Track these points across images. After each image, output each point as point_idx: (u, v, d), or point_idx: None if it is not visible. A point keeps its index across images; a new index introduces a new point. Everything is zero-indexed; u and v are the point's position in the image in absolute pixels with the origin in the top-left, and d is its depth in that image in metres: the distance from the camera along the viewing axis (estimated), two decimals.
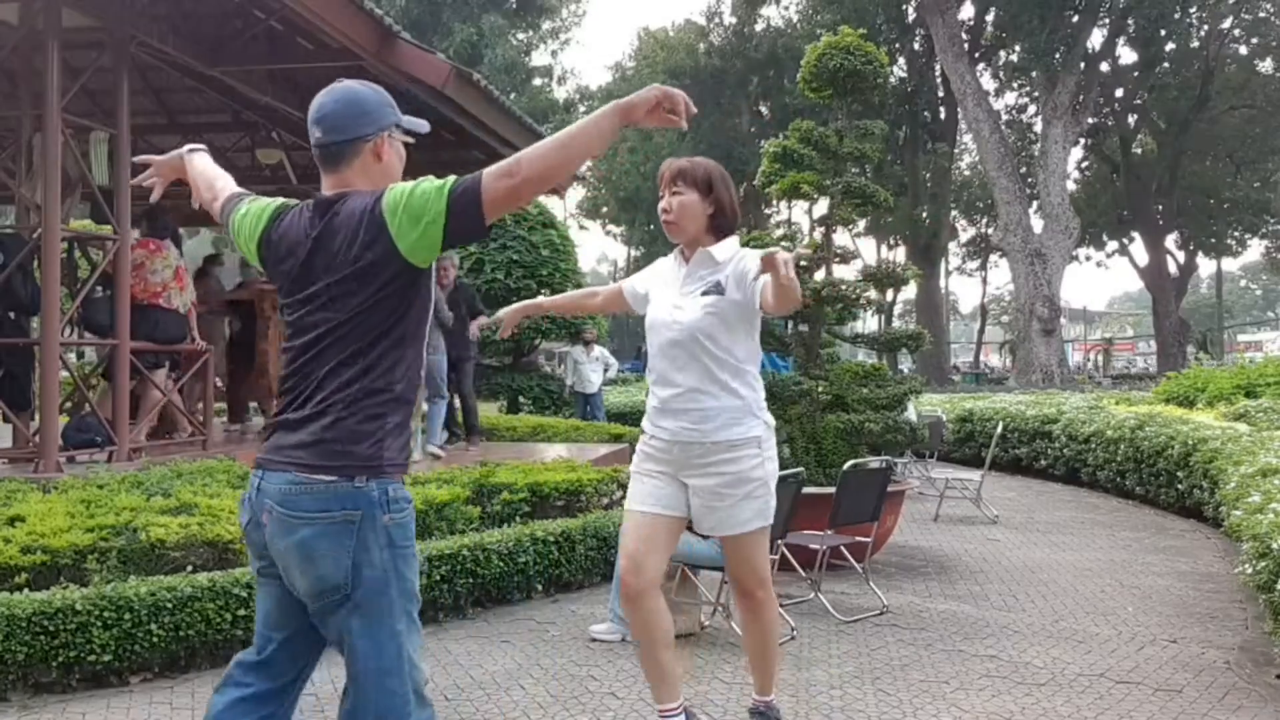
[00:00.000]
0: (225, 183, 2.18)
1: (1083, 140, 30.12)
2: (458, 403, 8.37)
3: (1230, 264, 51.09)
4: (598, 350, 12.69)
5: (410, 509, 1.91)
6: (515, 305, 3.15)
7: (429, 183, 1.80)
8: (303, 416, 1.86)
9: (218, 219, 2.14)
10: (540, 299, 3.22)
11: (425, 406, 7.46)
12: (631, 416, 12.18)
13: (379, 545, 1.82)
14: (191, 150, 2.33)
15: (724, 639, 4.19)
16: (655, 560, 2.78)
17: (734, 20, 33.63)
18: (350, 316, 1.84)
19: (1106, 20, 26.94)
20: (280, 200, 2.04)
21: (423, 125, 2.01)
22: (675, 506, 2.80)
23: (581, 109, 34.51)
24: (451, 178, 1.80)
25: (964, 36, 26.33)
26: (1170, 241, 33.00)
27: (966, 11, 28.01)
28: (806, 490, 4.65)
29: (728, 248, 2.76)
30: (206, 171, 2.25)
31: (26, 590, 3.55)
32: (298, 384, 1.89)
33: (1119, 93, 30.62)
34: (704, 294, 2.72)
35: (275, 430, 1.91)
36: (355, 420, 1.83)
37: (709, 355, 2.70)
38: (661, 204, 2.76)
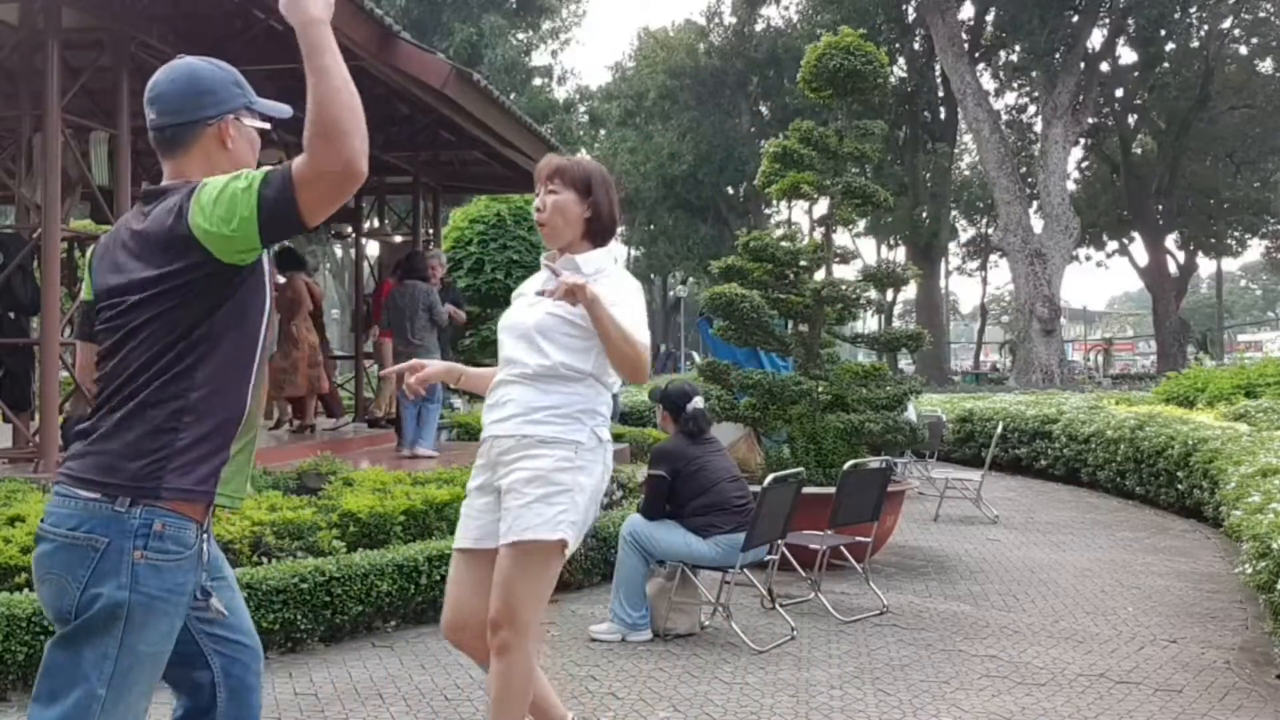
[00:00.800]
0: None
1: (1083, 140, 30.12)
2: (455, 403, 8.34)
3: (1230, 264, 51.08)
4: None
5: (185, 557, 1.61)
6: (441, 366, 2.73)
7: (245, 173, 1.61)
8: (88, 426, 1.66)
9: None
10: (449, 369, 2.76)
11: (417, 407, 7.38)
12: (631, 416, 12.19)
13: (116, 582, 1.56)
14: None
15: (724, 639, 4.19)
16: (477, 607, 2.41)
17: (734, 20, 33.63)
18: (151, 319, 1.62)
19: (1106, 20, 26.94)
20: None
21: (282, 110, 1.81)
22: (492, 536, 2.39)
23: (582, 109, 34.56)
24: (263, 171, 1.59)
25: (964, 36, 26.32)
26: (1170, 241, 33.01)
27: (966, 11, 28.01)
28: (806, 490, 4.65)
29: (596, 259, 2.49)
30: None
31: (26, 590, 3.55)
32: (98, 391, 1.69)
33: (1119, 93, 30.62)
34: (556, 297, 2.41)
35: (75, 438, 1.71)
36: (135, 433, 1.60)
37: (539, 354, 2.39)
38: (535, 202, 2.52)
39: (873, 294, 6.18)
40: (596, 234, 2.52)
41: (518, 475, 2.34)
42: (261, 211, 1.55)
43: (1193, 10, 26.99)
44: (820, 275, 6.28)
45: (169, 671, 1.73)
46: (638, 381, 2.53)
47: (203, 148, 1.73)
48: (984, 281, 39.47)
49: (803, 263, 6.26)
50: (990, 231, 35.38)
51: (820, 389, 5.97)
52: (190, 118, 1.73)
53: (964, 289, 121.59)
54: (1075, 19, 25.26)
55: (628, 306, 2.38)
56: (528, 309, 2.50)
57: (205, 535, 1.69)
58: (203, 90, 1.73)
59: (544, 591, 2.37)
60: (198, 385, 1.63)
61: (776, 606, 4.48)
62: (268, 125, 1.81)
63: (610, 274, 2.47)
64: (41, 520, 1.66)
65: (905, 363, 32.49)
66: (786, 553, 4.55)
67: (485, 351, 12.55)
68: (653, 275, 40.29)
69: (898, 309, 40.28)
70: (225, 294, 1.64)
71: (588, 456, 2.38)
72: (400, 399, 8.00)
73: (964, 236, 38.68)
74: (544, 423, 2.35)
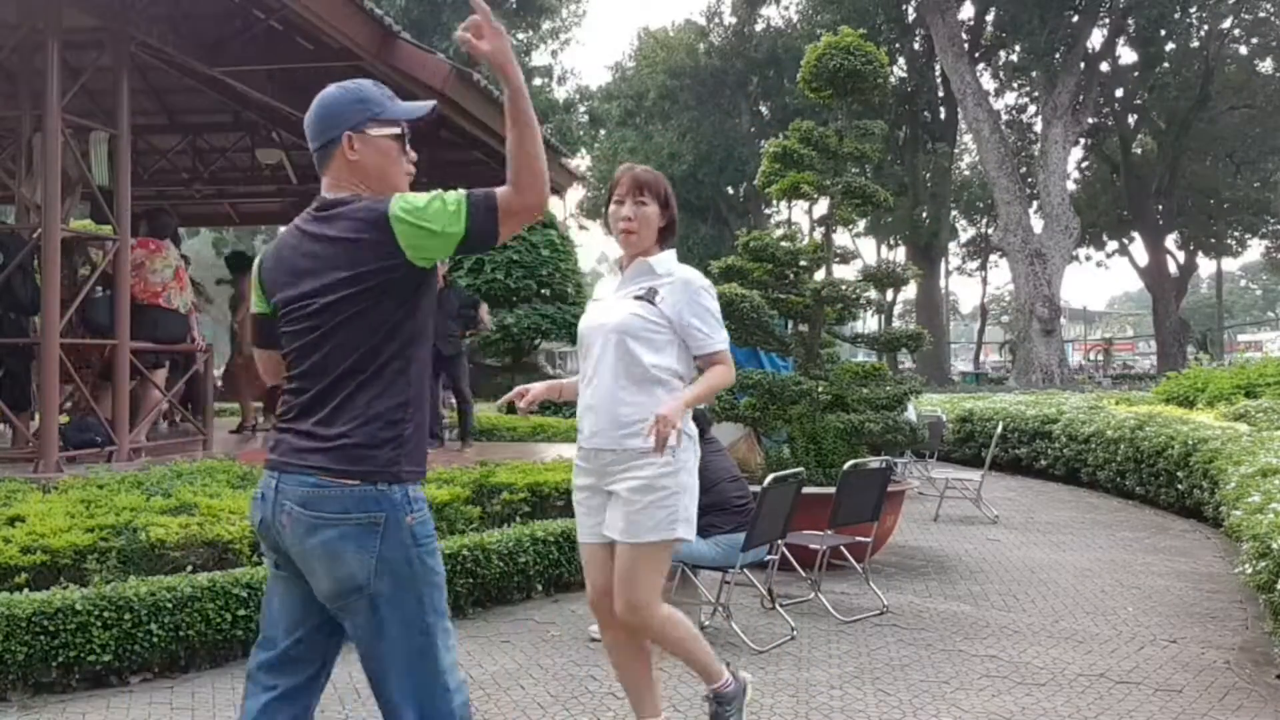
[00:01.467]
0: None
1: (1083, 140, 30.12)
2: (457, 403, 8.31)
3: (1230, 264, 51.07)
4: None
5: (427, 508, 1.97)
6: (543, 386, 2.89)
7: (444, 197, 1.86)
8: (317, 420, 1.88)
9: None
10: (551, 385, 2.93)
11: None
12: None
13: (401, 542, 1.87)
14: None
15: (724, 639, 4.19)
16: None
17: (734, 20, 33.63)
18: (351, 317, 1.86)
19: (1106, 20, 26.94)
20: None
21: (420, 109, 2.04)
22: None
23: (582, 109, 34.54)
24: (466, 195, 1.86)
25: (964, 36, 26.33)
26: (1170, 241, 33.00)
27: (967, 11, 28.02)
28: (806, 490, 4.65)
29: (666, 261, 2.75)
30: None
31: (26, 590, 3.54)
32: (305, 385, 1.91)
33: (1119, 93, 30.62)
34: (636, 297, 2.68)
35: (286, 432, 1.94)
36: (375, 426, 1.86)
37: (629, 357, 2.62)
38: (624, 211, 2.71)
39: (873, 294, 6.17)
40: (667, 238, 2.80)
41: (627, 484, 2.64)
42: (470, 232, 1.84)
43: (1193, 10, 26.98)
44: (820, 275, 6.28)
45: (313, 638, 1.98)
46: (729, 386, 2.86)
47: (336, 163, 1.97)
48: (984, 281, 39.48)
49: (803, 263, 6.26)
50: (990, 231, 35.38)
51: (820, 389, 5.97)
52: (323, 139, 1.99)
53: (964, 289, 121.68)
54: (1075, 19, 25.25)
55: (706, 319, 2.69)
56: (609, 310, 2.73)
57: None
58: (328, 114, 1.99)
59: (659, 579, 2.73)
60: (412, 380, 1.91)
61: (776, 606, 4.48)
62: (397, 130, 2.02)
63: (689, 276, 2.73)
64: (297, 508, 1.87)
65: (905, 363, 32.47)
66: (786, 553, 4.55)
67: (485, 351, 12.56)
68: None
69: (898, 309, 40.27)
70: (413, 293, 1.90)
71: (683, 457, 2.68)
72: None
73: (964, 236, 38.69)
74: (640, 434, 2.57)
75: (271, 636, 1.98)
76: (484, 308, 8.11)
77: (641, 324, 2.64)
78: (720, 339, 2.70)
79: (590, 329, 2.75)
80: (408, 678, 1.90)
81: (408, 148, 2.04)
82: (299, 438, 1.90)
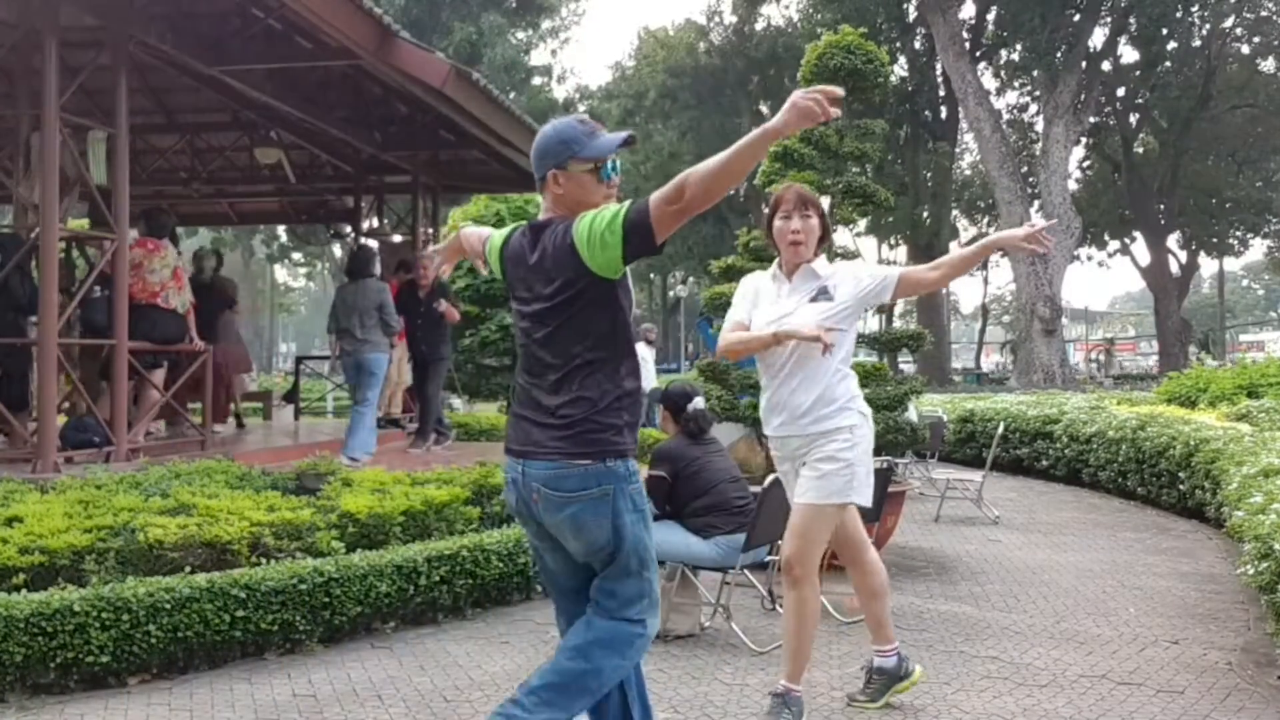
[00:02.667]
0: (482, 231, 2.69)
1: (1084, 139, 30.09)
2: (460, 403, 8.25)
3: (1232, 264, 51.07)
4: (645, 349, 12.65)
5: (640, 477, 2.38)
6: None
7: (606, 211, 2.23)
8: (553, 409, 2.29)
9: (481, 256, 2.64)
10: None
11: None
12: None
13: (629, 509, 2.31)
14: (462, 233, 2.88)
15: (724, 640, 4.17)
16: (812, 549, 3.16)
17: (734, 19, 33.61)
18: (566, 322, 2.28)
19: (1108, 19, 26.92)
20: (509, 228, 2.54)
21: (613, 143, 2.35)
22: None
23: (581, 108, 34.50)
24: (626, 205, 2.20)
25: (965, 35, 26.31)
26: (1172, 241, 32.99)
27: (967, 10, 28.00)
28: None
29: (824, 263, 3.22)
30: (472, 235, 2.77)
31: (24, 591, 3.54)
32: (537, 381, 2.34)
33: (1120, 92, 30.59)
34: (812, 300, 3.12)
35: (521, 420, 2.36)
36: (601, 414, 2.27)
37: (814, 357, 3.05)
38: (793, 225, 3.13)
39: None
40: (821, 246, 3.25)
41: (814, 457, 3.10)
42: (626, 239, 2.20)
43: (1194, 9, 26.95)
44: None
45: (574, 599, 2.48)
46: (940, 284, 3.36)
47: (548, 192, 2.39)
48: (985, 281, 39.50)
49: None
50: (991, 231, 35.34)
51: None
52: (539, 174, 2.40)
53: (965, 289, 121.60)
54: (1076, 18, 25.23)
55: (874, 268, 3.36)
56: (790, 317, 3.11)
57: None
58: (543, 152, 2.38)
59: (825, 539, 3.18)
60: (625, 375, 2.33)
61: (777, 607, 4.47)
62: (593, 163, 2.35)
63: (838, 266, 3.26)
64: (546, 490, 2.31)
65: (905, 362, 32.45)
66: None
67: (485, 351, 12.54)
68: (653, 275, 40.28)
69: (898, 309, 40.22)
70: (615, 303, 2.30)
71: (860, 433, 3.12)
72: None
73: (965, 236, 38.64)
74: (822, 421, 3.09)
75: (557, 598, 2.53)
76: (447, 308, 7.85)
77: (824, 320, 3.06)
78: (893, 269, 3.26)
79: (773, 322, 3.14)
80: (611, 621, 2.37)
81: (611, 176, 2.38)
82: (531, 426, 2.36)
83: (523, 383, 2.39)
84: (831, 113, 2.10)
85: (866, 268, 3.29)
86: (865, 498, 3.15)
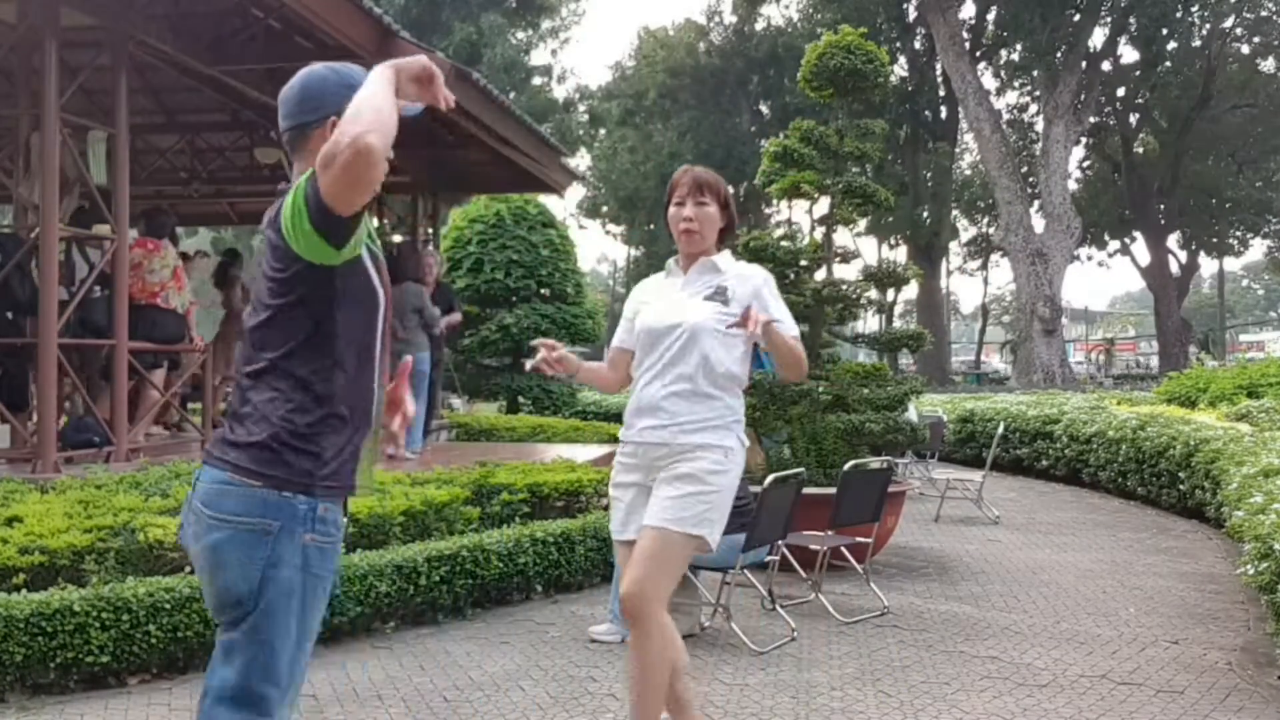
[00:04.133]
0: None
1: (1084, 139, 30.08)
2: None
3: (1232, 264, 51.01)
4: None
5: (338, 538, 1.79)
6: (561, 354, 2.78)
7: (300, 181, 1.69)
8: (241, 415, 1.76)
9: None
10: (575, 359, 2.85)
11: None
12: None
13: (292, 564, 1.71)
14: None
15: (724, 640, 4.17)
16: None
17: (734, 19, 33.60)
18: (272, 315, 1.73)
19: (1108, 19, 26.90)
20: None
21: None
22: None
23: (581, 108, 34.51)
24: (309, 172, 1.67)
25: (965, 35, 26.29)
26: (1172, 241, 32.97)
27: (968, 10, 27.99)
28: (807, 491, 4.64)
29: (727, 258, 2.82)
30: None
31: (24, 591, 3.53)
32: (239, 380, 1.80)
33: (1120, 92, 30.58)
34: (706, 299, 2.71)
35: (223, 424, 1.83)
36: (292, 428, 1.72)
37: (702, 357, 2.64)
38: (685, 211, 2.74)
39: (873, 294, 6.16)
40: (725, 238, 2.85)
41: (674, 471, 2.61)
42: (309, 209, 1.67)
43: (1194, 9, 26.94)
44: (821, 275, 6.26)
45: None
46: (800, 379, 2.84)
47: (311, 148, 1.76)
48: (985, 281, 39.49)
49: (803, 263, 6.24)
50: (991, 231, 35.36)
51: (820, 389, 5.96)
52: (299, 120, 1.81)
53: (965, 289, 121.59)
54: (1076, 18, 25.22)
55: (781, 310, 2.73)
56: (682, 309, 2.70)
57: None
58: (313, 94, 1.81)
59: (677, 574, 2.65)
60: (336, 388, 1.80)
61: (777, 607, 4.47)
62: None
63: (751, 271, 2.80)
64: (194, 505, 1.78)
65: (905, 362, 32.47)
66: (787, 553, 4.54)
67: (485, 351, 12.54)
68: (652, 275, 40.08)
69: (899, 309, 40.25)
70: (329, 296, 1.74)
71: (735, 459, 2.67)
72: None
73: (965, 236, 38.66)
74: (698, 431, 2.62)
75: None
76: (452, 318, 7.94)
77: (717, 322, 2.67)
78: (793, 326, 2.73)
79: (659, 327, 2.71)
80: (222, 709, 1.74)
81: None
82: (225, 429, 1.82)
83: (236, 382, 1.86)
84: (438, 101, 1.78)
85: (769, 296, 2.73)
86: (715, 538, 2.62)
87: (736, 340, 2.67)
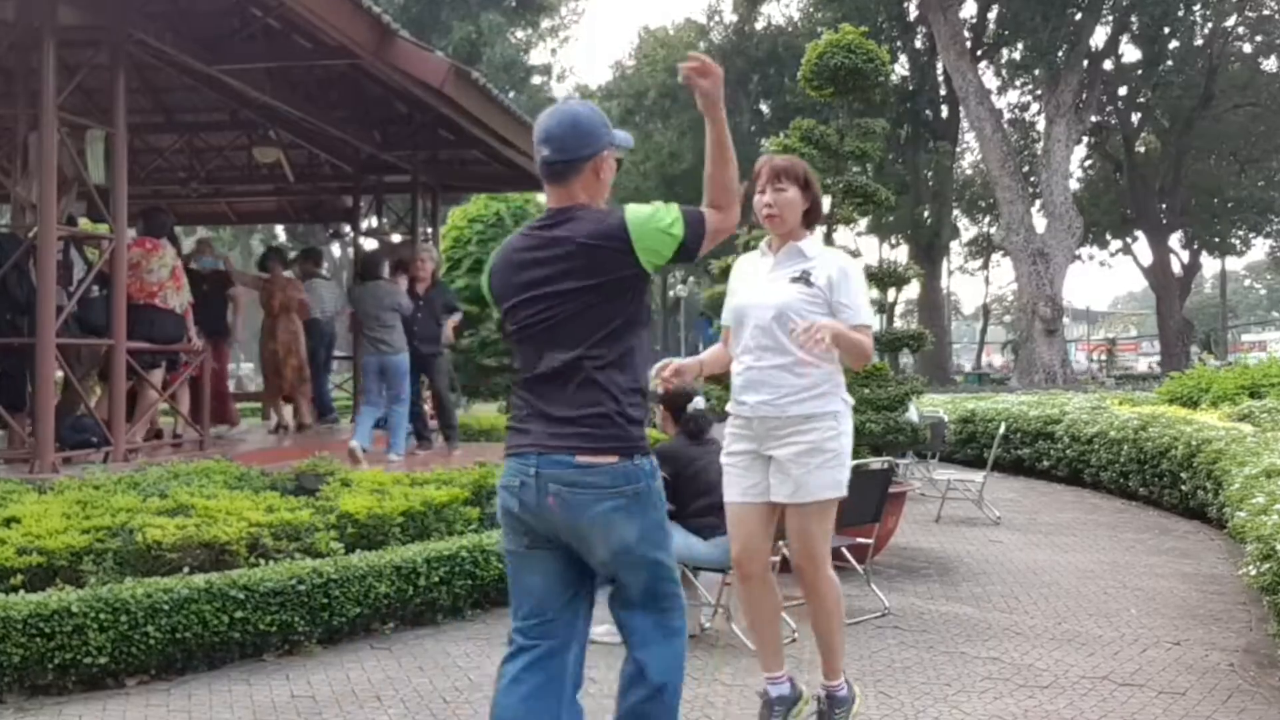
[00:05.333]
0: None
1: (1086, 139, 30.07)
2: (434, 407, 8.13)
3: (1234, 263, 51.00)
4: None
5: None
6: (685, 362, 3.04)
7: (662, 207, 2.20)
8: (569, 406, 2.16)
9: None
10: (692, 363, 3.11)
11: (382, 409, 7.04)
12: None
13: (654, 506, 2.22)
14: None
15: (724, 641, 4.16)
16: (761, 546, 3.01)
17: (734, 18, 33.58)
18: (583, 312, 2.15)
19: (1110, 18, 26.89)
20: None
21: (629, 140, 2.31)
22: (765, 492, 2.95)
23: None
24: (678, 207, 2.20)
25: (966, 34, 26.28)
26: (1174, 241, 32.96)
27: (969, 9, 27.97)
28: None
29: (815, 244, 3.05)
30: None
31: (22, 592, 3.53)
32: (550, 378, 2.17)
33: (1122, 91, 30.56)
34: (792, 280, 2.93)
35: (532, 419, 2.19)
36: (623, 408, 2.15)
37: (791, 334, 2.86)
38: (765, 199, 2.96)
39: (874, 293, 6.14)
40: (812, 221, 3.06)
41: (793, 449, 2.86)
42: (686, 240, 2.18)
43: (1196, 8, 26.94)
44: None
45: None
46: (860, 367, 3.07)
47: (583, 179, 2.23)
48: (986, 281, 39.48)
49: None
50: (992, 231, 35.35)
51: None
52: (576, 155, 2.21)
53: (966, 289, 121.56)
54: (1078, 17, 25.20)
55: (854, 298, 2.92)
56: (767, 290, 2.95)
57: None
58: (585, 132, 2.22)
59: (830, 533, 2.99)
60: (641, 368, 2.28)
61: None
62: (622, 155, 2.31)
63: (829, 254, 3.03)
64: (559, 491, 2.17)
65: (905, 362, 32.44)
66: (787, 554, 4.51)
67: (485, 351, 12.52)
68: (652, 275, 40.09)
69: (899, 309, 40.22)
70: (641, 296, 2.24)
71: (845, 423, 2.93)
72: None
73: (966, 236, 38.62)
74: (806, 400, 2.87)
75: (531, 614, 2.26)
76: (454, 319, 7.94)
77: (801, 303, 2.88)
78: (866, 315, 2.93)
79: (749, 306, 2.97)
80: (651, 598, 2.33)
81: None
82: (545, 422, 2.19)
83: (531, 379, 2.23)
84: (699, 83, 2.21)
85: (849, 288, 2.92)
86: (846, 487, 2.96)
87: (822, 315, 2.86)
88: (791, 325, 2.81)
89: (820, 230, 3.14)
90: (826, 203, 6.40)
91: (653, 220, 2.17)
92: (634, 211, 2.19)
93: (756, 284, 3.01)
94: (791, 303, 2.89)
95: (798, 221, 2.99)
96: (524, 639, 2.25)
